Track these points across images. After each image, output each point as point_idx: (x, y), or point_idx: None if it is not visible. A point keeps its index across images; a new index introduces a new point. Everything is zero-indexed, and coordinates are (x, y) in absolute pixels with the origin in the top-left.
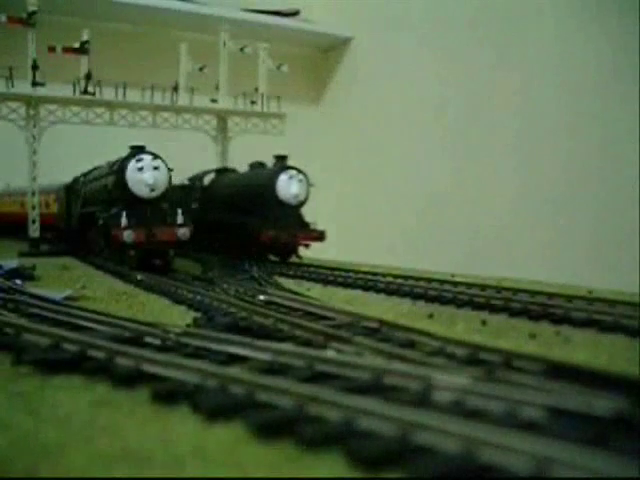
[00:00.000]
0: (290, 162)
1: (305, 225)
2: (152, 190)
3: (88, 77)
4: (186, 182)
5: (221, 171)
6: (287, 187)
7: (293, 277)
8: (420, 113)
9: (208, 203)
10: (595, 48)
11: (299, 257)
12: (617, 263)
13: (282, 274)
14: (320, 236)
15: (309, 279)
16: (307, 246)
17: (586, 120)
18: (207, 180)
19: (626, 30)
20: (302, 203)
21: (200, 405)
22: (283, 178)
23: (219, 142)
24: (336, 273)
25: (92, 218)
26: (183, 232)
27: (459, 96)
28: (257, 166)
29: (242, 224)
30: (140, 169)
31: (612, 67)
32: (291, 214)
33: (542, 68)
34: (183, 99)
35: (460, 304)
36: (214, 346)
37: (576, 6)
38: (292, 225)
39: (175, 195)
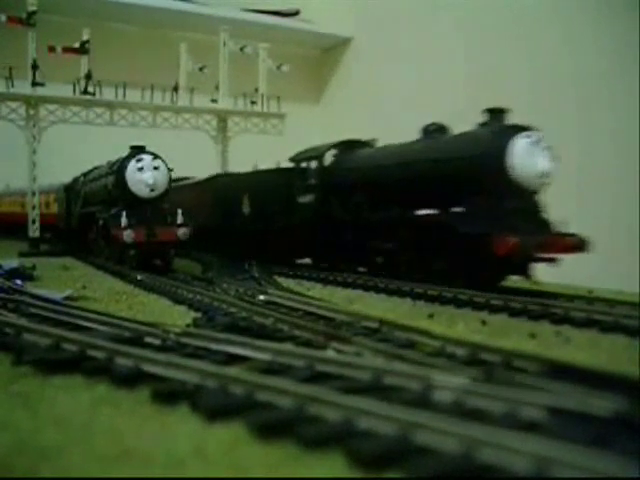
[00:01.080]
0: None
1: (545, 224)
2: (152, 190)
3: (88, 77)
4: (283, 164)
5: (348, 145)
6: (529, 159)
7: (293, 277)
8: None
9: (337, 192)
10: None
11: (531, 279)
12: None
13: (282, 274)
14: (580, 244)
15: (309, 279)
16: (553, 261)
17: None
18: (327, 160)
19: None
20: (544, 187)
21: (200, 405)
22: (521, 144)
23: (219, 142)
24: (335, 273)
25: (92, 218)
26: (183, 232)
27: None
28: (436, 130)
29: (441, 223)
30: (140, 169)
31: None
32: (531, 206)
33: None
34: (183, 99)
35: (460, 304)
36: (214, 346)
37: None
38: (532, 224)
39: (262, 185)
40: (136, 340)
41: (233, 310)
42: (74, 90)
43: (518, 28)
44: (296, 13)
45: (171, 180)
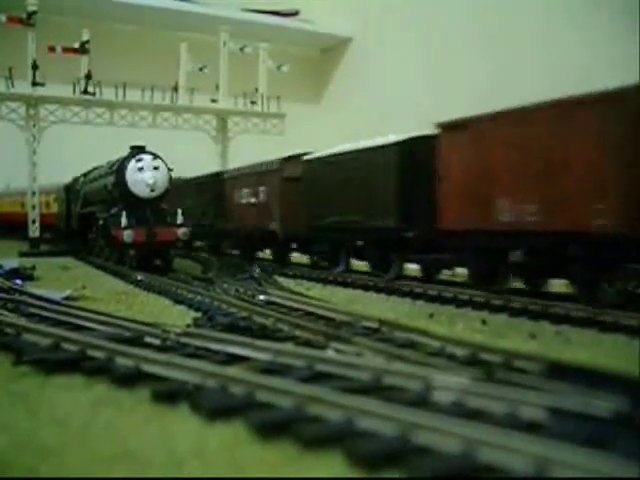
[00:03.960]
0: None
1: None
2: (152, 190)
3: (88, 77)
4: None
5: None
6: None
7: (293, 277)
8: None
9: None
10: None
11: None
12: None
13: (282, 274)
14: None
15: (309, 279)
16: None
17: None
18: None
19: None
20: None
21: (200, 405)
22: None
23: (219, 142)
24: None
25: (92, 218)
26: (183, 232)
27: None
28: None
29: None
30: (140, 169)
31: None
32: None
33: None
34: (183, 99)
35: (460, 304)
36: (214, 346)
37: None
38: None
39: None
40: (136, 340)
41: (233, 310)
42: (74, 90)
43: (518, 25)
44: (296, 13)
45: (171, 180)
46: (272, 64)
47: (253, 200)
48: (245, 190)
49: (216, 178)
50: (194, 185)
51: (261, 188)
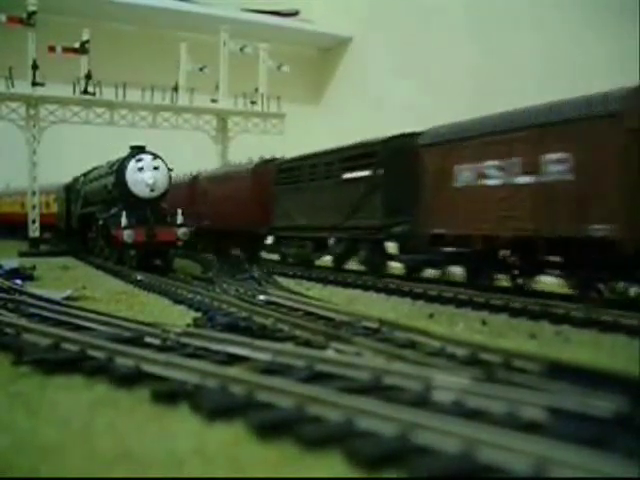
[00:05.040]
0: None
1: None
2: (152, 190)
3: (88, 77)
4: None
5: None
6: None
7: (293, 277)
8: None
9: None
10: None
11: None
12: None
13: (282, 274)
14: None
15: (309, 279)
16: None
17: None
18: None
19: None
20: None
21: (200, 405)
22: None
23: (219, 142)
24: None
25: (92, 218)
26: (183, 232)
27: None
28: None
29: None
30: (140, 169)
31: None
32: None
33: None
34: (183, 99)
35: (460, 304)
36: (214, 346)
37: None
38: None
39: None
40: (136, 340)
41: (233, 310)
42: (74, 90)
43: (518, 25)
44: (296, 13)
45: (171, 180)
46: (272, 64)
47: (525, 180)
48: (490, 162)
49: (386, 146)
50: (326, 164)
51: (552, 156)
